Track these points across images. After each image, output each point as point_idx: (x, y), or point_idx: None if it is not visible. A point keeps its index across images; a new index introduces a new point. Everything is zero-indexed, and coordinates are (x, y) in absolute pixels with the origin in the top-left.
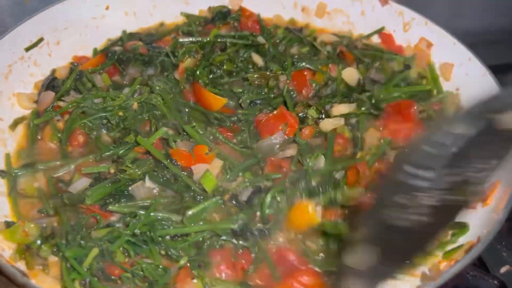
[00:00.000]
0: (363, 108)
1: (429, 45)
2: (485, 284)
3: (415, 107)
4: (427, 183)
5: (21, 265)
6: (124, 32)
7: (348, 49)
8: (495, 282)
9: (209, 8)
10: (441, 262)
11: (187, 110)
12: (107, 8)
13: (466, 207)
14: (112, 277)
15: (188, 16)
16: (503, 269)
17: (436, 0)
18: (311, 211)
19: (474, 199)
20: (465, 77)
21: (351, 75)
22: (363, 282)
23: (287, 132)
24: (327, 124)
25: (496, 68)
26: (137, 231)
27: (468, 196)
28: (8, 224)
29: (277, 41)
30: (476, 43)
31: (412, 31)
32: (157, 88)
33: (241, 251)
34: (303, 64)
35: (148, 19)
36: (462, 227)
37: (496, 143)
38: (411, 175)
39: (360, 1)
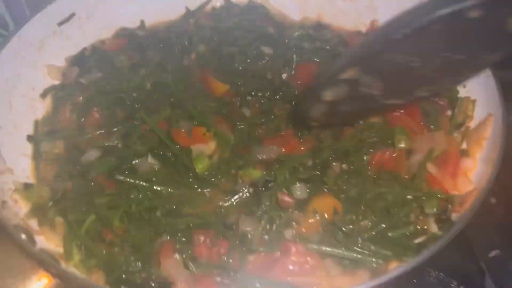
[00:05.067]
0: None
1: None
2: (465, 268)
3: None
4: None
5: (33, 222)
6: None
7: None
8: (473, 266)
9: None
10: (390, 262)
11: (194, 91)
12: None
13: None
14: (106, 239)
15: None
16: (492, 253)
17: None
18: None
19: None
20: None
21: None
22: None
23: (283, 150)
24: None
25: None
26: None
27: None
28: (26, 186)
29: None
30: None
31: None
32: (169, 68)
33: (221, 237)
34: (309, 56)
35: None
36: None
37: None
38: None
39: None
